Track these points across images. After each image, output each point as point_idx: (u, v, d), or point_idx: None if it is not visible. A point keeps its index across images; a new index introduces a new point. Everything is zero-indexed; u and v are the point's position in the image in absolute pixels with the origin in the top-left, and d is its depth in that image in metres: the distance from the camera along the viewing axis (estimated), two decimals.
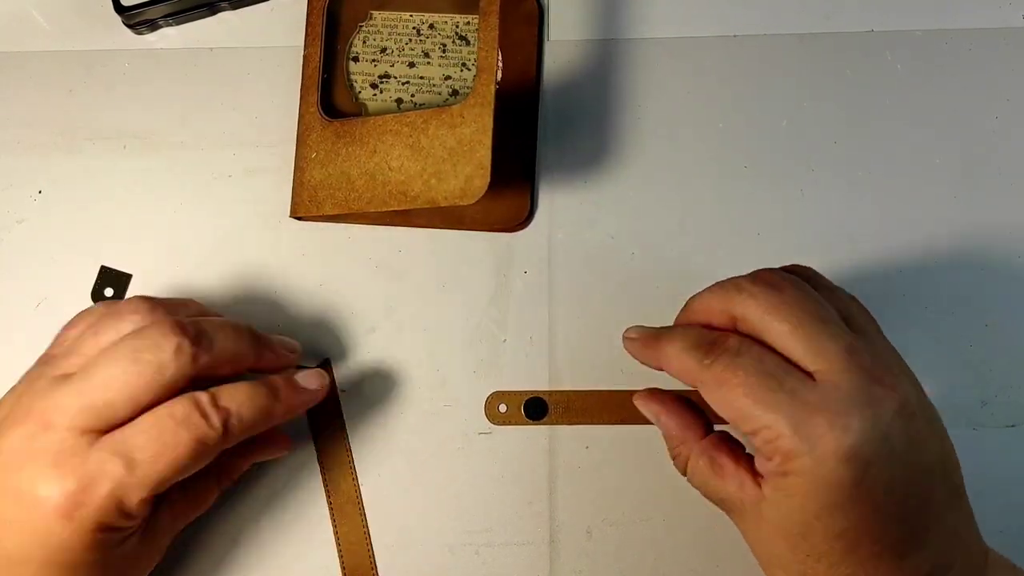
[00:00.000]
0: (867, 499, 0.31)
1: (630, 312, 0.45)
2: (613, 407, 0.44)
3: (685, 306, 0.37)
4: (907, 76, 0.48)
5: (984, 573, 0.35)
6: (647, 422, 0.38)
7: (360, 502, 0.44)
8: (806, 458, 0.31)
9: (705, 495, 0.36)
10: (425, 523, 0.44)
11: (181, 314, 0.38)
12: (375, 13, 0.48)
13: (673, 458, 0.37)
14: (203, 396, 0.35)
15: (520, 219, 0.46)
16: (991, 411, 0.44)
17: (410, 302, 0.46)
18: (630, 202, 0.47)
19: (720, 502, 0.35)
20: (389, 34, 0.48)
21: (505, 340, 0.45)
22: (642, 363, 0.37)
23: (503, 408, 0.44)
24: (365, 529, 0.43)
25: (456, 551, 0.43)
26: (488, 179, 0.39)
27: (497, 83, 0.47)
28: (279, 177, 0.47)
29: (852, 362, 0.32)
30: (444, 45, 0.48)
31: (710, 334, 0.34)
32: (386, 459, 0.44)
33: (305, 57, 0.47)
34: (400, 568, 0.43)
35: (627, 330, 0.38)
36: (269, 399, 0.37)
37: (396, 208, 0.42)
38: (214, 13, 0.48)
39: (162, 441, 0.33)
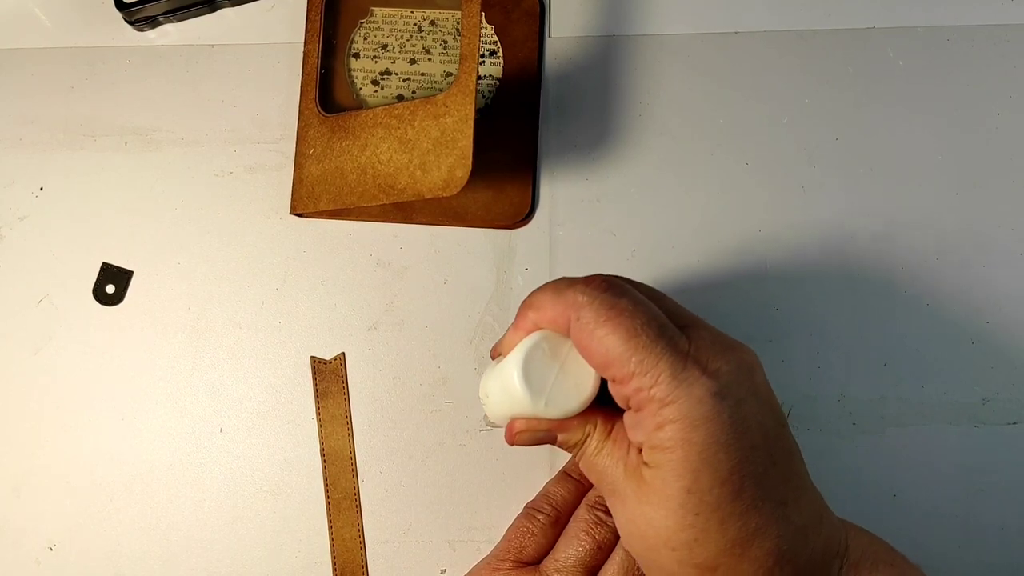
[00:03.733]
0: (744, 436, 0.31)
1: None
2: None
3: (524, 303, 0.36)
4: (909, 73, 0.48)
5: (846, 530, 0.35)
6: None
7: (358, 499, 0.44)
8: (684, 401, 0.31)
9: (596, 474, 0.35)
10: (426, 520, 0.44)
11: None
12: (376, 9, 0.48)
13: (571, 447, 0.36)
14: None
15: (521, 215, 0.46)
16: (992, 408, 0.44)
17: (411, 299, 0.46)
18: (631, 198, 0.46)
19: (609, 482, 0.34)
20: (390, 30, 0.48)
21: None
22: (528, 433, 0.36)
23: None
24: (359, 527, 0.44)
25: (457, 547, 0.43)
26: (469, 169, 0.39)
27: (498, 79, 0.47)
28: (280, 174, 0.47)
29: (706, 332, 0.33)
30: (445, 41, 0.48)
31: (581, 278, 0.34)
32: (387, 456, 0.44)
33: (305, 53, 0.47)
34: (399, 565, 0.43)
35: (514, 432, 0.37)
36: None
37: (385, 201, 0.42)
38: (214, 10, 0.48)
39: None
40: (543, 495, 0.41)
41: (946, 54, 0.48)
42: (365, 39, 0.48)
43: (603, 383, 0.34)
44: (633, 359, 0.31)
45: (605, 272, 0.45)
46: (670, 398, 0.31)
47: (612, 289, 0.33)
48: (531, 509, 0.41)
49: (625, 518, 0.33)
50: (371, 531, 0.44)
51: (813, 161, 0.47)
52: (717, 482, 0.31)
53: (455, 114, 0.40)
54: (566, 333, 0.33)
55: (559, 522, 0.40)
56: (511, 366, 0.34)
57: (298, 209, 0.46)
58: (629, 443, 0.34)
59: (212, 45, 0.48)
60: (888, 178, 0.46)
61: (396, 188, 0.42)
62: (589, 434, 0.35)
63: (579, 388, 0.34)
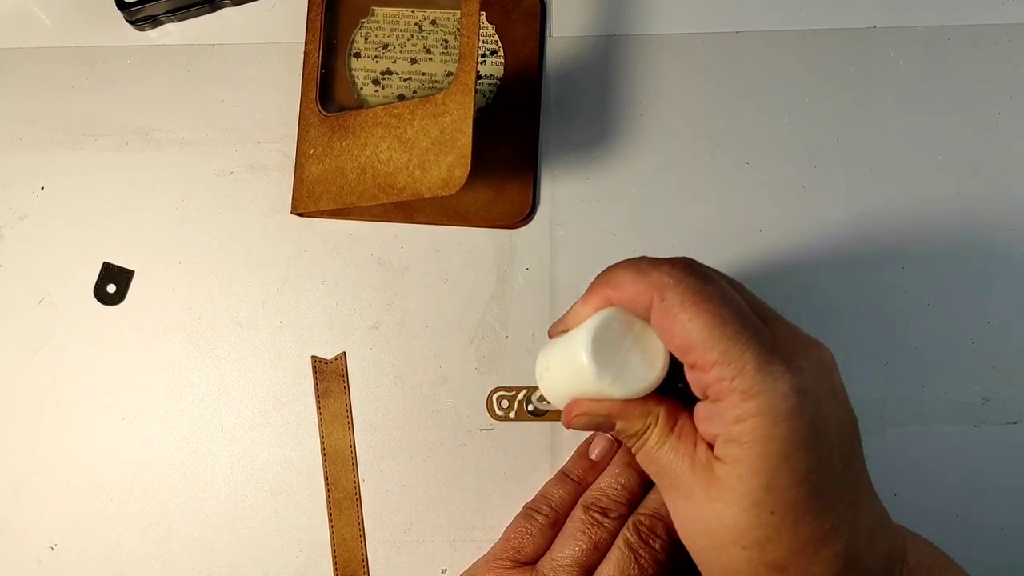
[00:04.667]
0: (824, 435, 0.30)
1: None
2: None
3: (599, 278, 0.35)
4: (909, 72, 0.48)
5: (904, 535, 0.35)
6: None
7: (358, 499, 0.44)
8: (768, 394, 0.30)
9: (656, 468, 0.34)
10: (426, 519, 0.44)
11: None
12: (377, 9, 0.48)
13: (629, 436, 0.35)
14: None
15: (522, 215, 0.46)
16: (993, 408, 0.44)
17: (412, 298, 0.46)
18: (632, 198, 0.46)
19: (672, 476, 0.33)
20: (391, 30, 0.48)
21: (507, 337, 0.45)
22: (589, 417, 0.35)
23: (504, 404, 0.44)
24: (360, 527, 0.44)
25: (457, 547, 0.43)
26: (468, 168, 0.39)
27: (499, 79, 0.47)
28: (280, 173, 0.47)
29: (785, 327, 0.32)
30: (446, 41, 0.48)
31: (666, 259, 0.33)
32: (388, 455, 0.44)
33: (305, 53, 0.47)
34: (399, 565, 0.43)
35: (573, 414, 0.36)
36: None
37: (384, 201, 0.42)
38: (215, 9, 0.48)
39: None
40: (542, 496, 0.41)
41: (947, 54, 0.48)
42: (366, 39, 0.48)
43: (670, 374, 0.33)
44: (718, 347, 0.30)
45: None
46: (754, 391, 0.30)
47: (698, 273, 0.32)
48: (530, 509, 0.40)
49: (689, 515, 0.32)
50: (371, 531, 0.44)
51: (813, 161, 0.47)
52: (795, 481, 0.30)
53: (454, 113, 0.40)
54: (643, 313, 0.32)
55: (557, 523, 0.40)
56: (580, 339, 0.33)
57: (299, 208, 0.46)
58: (696, 438, 0.33)
59: (213, 45, 0.48)
60: (888, 178, 0.46)
61: (396, 187, 0.42)
62: (650, 425, 0.34)
63: (647, 370, 0.33)
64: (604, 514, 0.39)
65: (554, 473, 0.44)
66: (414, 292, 0.46)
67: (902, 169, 0.47)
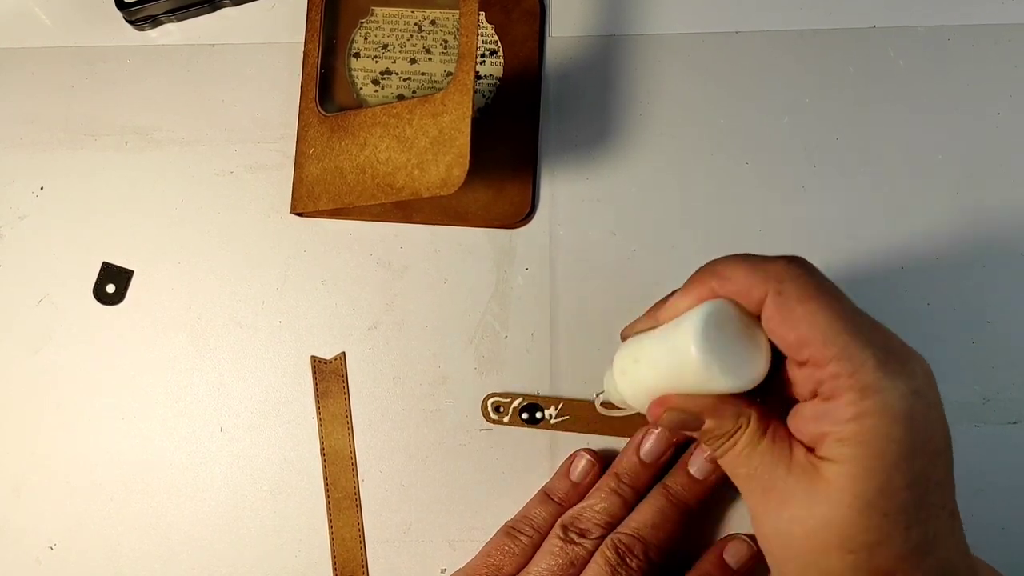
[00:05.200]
0: (932, 440, 0.30)
1: (631, 308, 0.45)
2: (614, 421, 0.43)
3: (705, 270, 0.33)
4: (909, 72, 0.47)
5: (975, 559, 0.34)
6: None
7: (358, 499, 0.44)
8: (887, 393, 0.29)
9: (746, 470, 0.32)
10: (426, 519, 0.44)
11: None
12: (376, 9, 0.48)
13: (717, 437, 0.33)
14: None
15: (521, 215, 0.46)
16: (993, 408, 0.44)
17: (411, 298, 0.46)
18: (631, 198, 0.46)
19: (764, 480, 0.32)
20: (391, 30, 0.48)
21: (506, 337, 0.45)
22: (678, 415, 0.33)
23: (500, 409, 0.44)
24: (360, 527, 0.43)
25: (457, 547, 0.43)
26: (467, 168, 0.39)
27: (499, 79, 0.47)
28: (280, 173, 0.47)
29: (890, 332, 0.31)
30: (446, 41, 0.48)
31: (777, 256, 0.32)
32: (387, 455, 0.44)
33: (305, 53, 0.47)
34: (399, 565, 0.43)
35: (664, 408, 0.34)
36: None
37: (383, 200, 0.42)
38: (215, 9, 0.48)
39: None
40: (523, 516, 0.41)
41: (947, 54, 0.48)
42: (366, 39, 0.48)
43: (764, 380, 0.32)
44: (838, 342, 0.29)
45: (607, 271, 0.46)
46: (873, 388, 0.29)
47: (813, 271, 0.31)
48: (511, 528, 0.41)
49: (785, 519, 0.31)
50: (371, 531, 0.44)
51: (813, 161, 0.47)
52: (907, 484, 0.29)
53: (453, 113, 0.40)
54: (752, 307, 0.31)
55: (537, 544, 0.40)
56: (687, 328, 0.32)
57: (298, 208, 0.46)
58: (791, 442, 0.32)
59: (213, 44, 0.48)
60: (888, 178, 0.46)
61: (394, 187, 0.42)
62: (741, 427, 0.32)
63: (753, 364, 0.32)
64: (583, 535, 0.39)
65: (553, 472, 0.44)
66: (414, 292, 0.46)
67: (902, 169, 0.47)
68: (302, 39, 0.47)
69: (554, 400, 0.44)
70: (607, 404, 0.39)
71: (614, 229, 0.46)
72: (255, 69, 0.48)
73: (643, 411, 0.35)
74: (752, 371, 0.32)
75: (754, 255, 0.32)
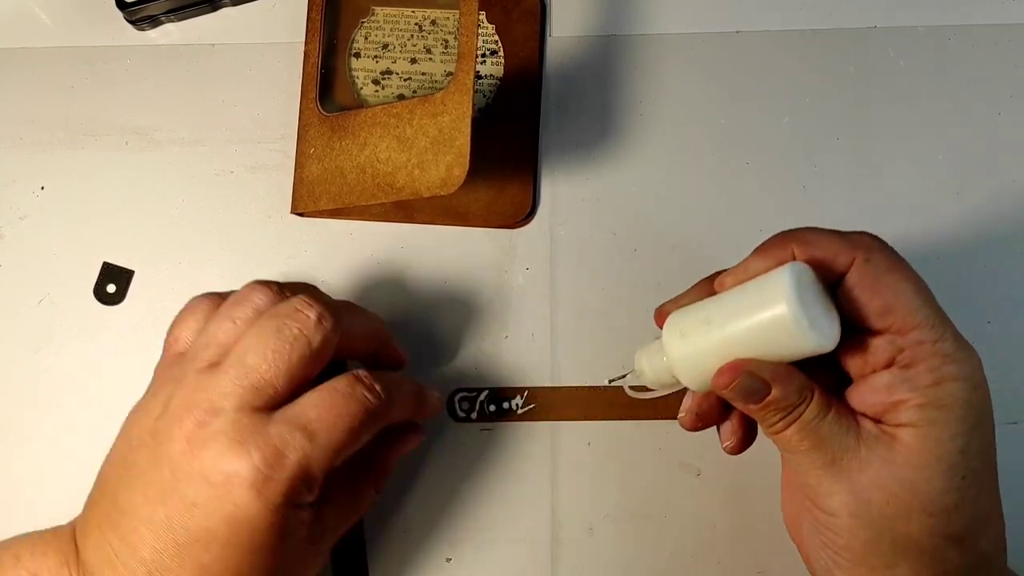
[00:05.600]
0: (991, 415, 0.32)
1: (631, 308, 0.45)
2: (581, 406, 0.44)
3: (784, 236, 0.33)
4: (909, 72, 0.48)
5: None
6: (623, 417, 0.37)
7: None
8: (967, 362, 0.31)
9: (813, 442, 0.32)
10: (427, 519, 0.44)
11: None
12: (377, 9, 0.48)
13: (782, 408, 0.32)
14: (361, 372, 0.36)
15: (522, 215, 0.46)
16: (993, 408, 0.44)
17: (412, 298, 0.46)
18: (632, 198, 0.46)
19: (834, 450, 0.32)
20: (391, 30, 0.48)
21: (507, 337, 0.45)
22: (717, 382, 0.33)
23: (465, 406, 0.44)
24: (360, 527, 0.43)
25: (457, 547, 0.43)
26: (466, 167, 0.39)
27: (499, 79, 0.47)
28: (280, 173, 0.47)
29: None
30: (446, 41, 0.48)
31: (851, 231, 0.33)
32: None
33: (305, 53, 0.47)
34: (399, 565, 0.43)
35: (738, 372, 0.33)
36: (416, 387, 0.39)
37: (383, 200, 0.42)
38: (215, 9, 0.48)
39: (335, 412, 0.34)
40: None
41: (947, 54, 0.48)
42: (366, 38, 0.48)
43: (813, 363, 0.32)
44: (923, 310, 0.31)
45: (608, 271, 0.46)
46: (956, 356, 0.31)
47: (890, 247, 0.33)
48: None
49: (862, 486, 0.31)
50: (372, 532, 0.44)
51: (814, 161, 0.47)
52: (982, 448, 0.31)
53: (453, 112, 0.40)
54: (834, 273, 0.32)
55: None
56: (778, 284, 0.31)
57: (299, 208, 0.46)
58: (855, 415, 0.32)
59: (213, 44, 0.48)
60: (889, 178, 0.46)
61: (395, 187, 0.42)
62: (806, 399, 0.32)
63: (831, 328, 0.31)
64: (253, 293, 0.37)
65: (555, 470, 0.44)
66: (414, 292, 0.46)
67: (902, 169, 0.47)
68: (302, 39, 0.47)
69: (519, 390, 0.44)
70: (638, 387, 0.38)
71: (614, 229, 0.46)
72: (255, 69, 0.48)
73: (693, 383, 0.34)
74: (834, 332, 0.31)
75: (830, 230, 0.33)
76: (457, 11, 0.48)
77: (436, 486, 0.44)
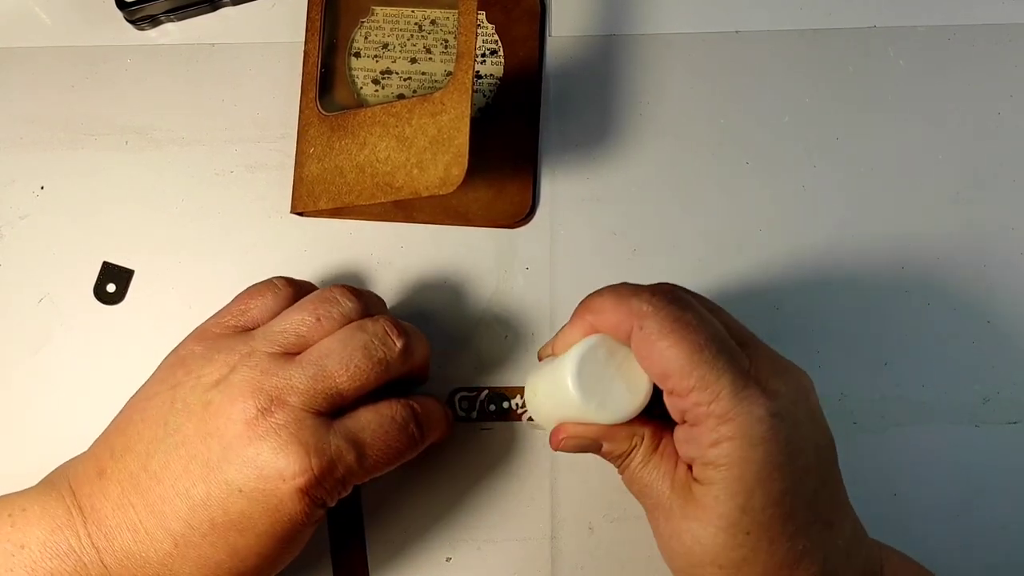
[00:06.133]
0: (799, 457, 0.31)
1: None
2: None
3: (582, 305, 0.36)
4: (909, 72, 0.48)
5: (881, 550, 0.36)
6: None
7: (359, 499, 0.44)
8: (744, 419, 0.31)
9: (639, 488, 0.35)
10: (427, 518, 0.44)
11: (377, 310, 0.40)
12: (377, 9, 0.48)
13: (615, 457, 0.36)
14: (417, 407, 0.37)
15: (522, 215, 0.46)
16: (993, 408, 0.44)
17: (412, 298, 0.46)
18: (632, 198, 0.46)
19: (653, 496, 0.34)
20: (391, 29, 0.48)
21: (507, 336, 0.45)
22: (572, 439, 0.36)
23: (465, 405, 0.44)
24: (360, 527, 0.43)
25: (457, 546, 0.43)
26: (465, 167, 0.39)
27: (499, 79, 0.47)
28: (280, 173, 0.47)
29: (763, 352, 0.34)
30: (446, 41, 0.48)
31: (646, 287, 0.34)
32: None
33: (305, 53, 0.47)
34: (399, 565, 0.43)
35: (560, 438, 0.36)
36: (446, 413, 0.41)
37: (383, 200, 0.42)
38: (215, 9, 0.48)
39: (387, 441, 0.36)
40: (288, 278, 0.40)
41: (947, 54, 0.48)
42: (366, 38, 0.48)
43: (653, 395, 0.34)
44: (695, 373, 0.31)
45: (608, 272, 0.46)
46: (730, 415, 0.31)
47: (677, 302, 0.33)
48: (274, 279, 0.39)
49: (668, 533, 0.33)
50: (371, 531, 0.44)
51: (814, 160, 0.47)
52: (770, 502, 0.31)
53: (451, 112, 0.40)
54: (625, 340, 0.33)
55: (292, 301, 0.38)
56: (565, 367, 0.34)
57: (298, 208, 0.46)
58: (677, 458, 0.34)
59: (213, 44, 0.48)
60: (889, 178, 0.46)
61: (394, 186, 0.42)
62: (636, 446, 0.35)
63: (632, 395, 0.34)
64: (345, 295, 0.38)
65: (555, 469, 0.44)
66: (414, 292, 0.46)
67: (902, 169, 0.47)
68: (302, 39, 0.47)
69: (519, 389, 0.44)
70: (532, 421, 0.43)
71: (614, 229, 0.46)
72: (255, 69, 0.48)
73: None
74: (630, 405, 0.34)
75: (626, 287, 0.34)
76: (457, 11, 0.48)
77: (436, 485, 0.44)
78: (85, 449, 0.38)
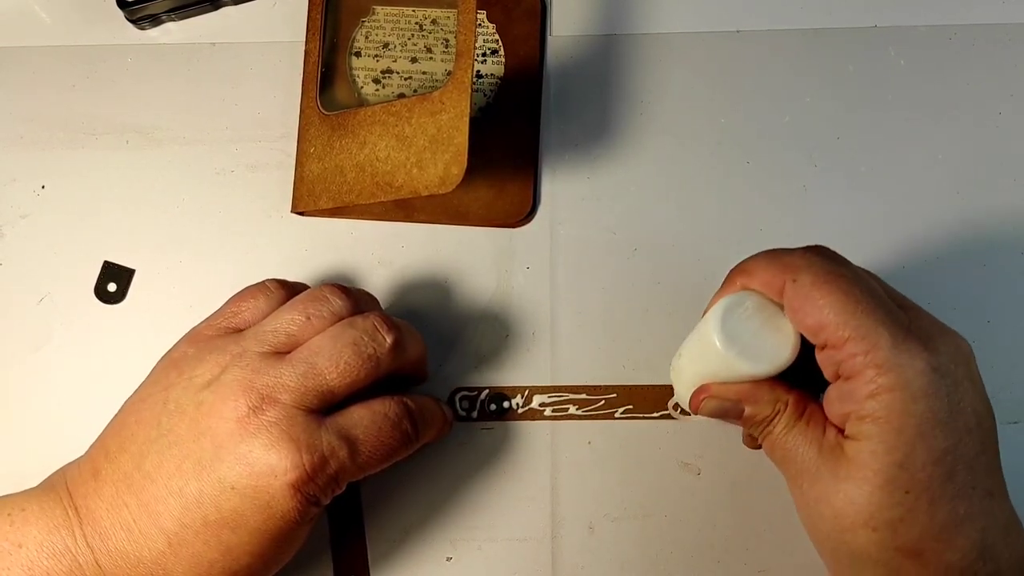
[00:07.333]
0: (960, 417, 0.30)
1: (631, 307, 0.45)
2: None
3: (734, 269, 0.35)
4: (910, 72, 0.48)
5: None
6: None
7: (358, 498, 0.44)
8: (905, 369, 0.30)
9: (783, 454, 0.33)
10: (427, 518, 0.44)
11: (369, 307, 0.40)
12: (377, 8, 0.48)
13: (758, 422, 0.34)
14: (411, 404, 0.37)
15: (522, 214, 0.46)
16: (993, 408, 0.44)
17: (412, 297, 0.46)
18: (632, 197, 0.47)
19: (798, 462, 0.33)
20: (392, 29, 0.48)
21: (507, 336, 0.45)
22: (718, 403, 0.35)
23: (466, 405, 0.44)
24: (360, 527, 0.43)
25: (458, 546, 0.43)
26: (464, 166, 0.39)
27: (500, 78, 0.48)
28: (281, 172, 0.47)
29: (923, 313, 0.33)
30: (447, 40, 0.48)
31: (798, 248, 0.33)
32: None
33: (306, 52, 0.47)
34: (399, 565, 0.43)
35: (701, 397, 0.36)
36: (445, 412, 0.41)
37: (382, 199, 0.42)
38: (216, 8, 0.48)
39: (380, 437, 0.36)
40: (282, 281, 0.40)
41: (947, 53, 0.48)
42: (366, 37, 0.48)
43: (800, 362, 0.33)
44: (851, 323, 0.30)
45: (608, 270, 0.46)
46: (889, 365, 0.30)
47: (831, 258, 0.32)
48: (266, 281, 0.39)
49: (815, 498, 0.32)
50: (371, 531, 0.44)
51: (814, 160, 0.47)
52: (931, 460, 0.30)
53: (451, 111, 0.40)
54: (778, 297, 0.33)
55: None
56: (710, 319, 0.34)
57: (299, 207, 0.46)
58: (825, 424, 0.33)
59: (214, 43, 0.48)
60: (889, 177, 0.46)
61: (393, 186, 0.42)
62: (779, 411, 0.33)
63: (778, 350, 0.33)
64: (336, 293, 0.38)
65: (555, 469, 0.44)
66: (414, 291, 0.46)
67: (902, 169, 0.47)
68: (303, 38, 0.47)
69: (519, 389, 0.44)
70: (677, 406, 0.42)
71: (615, 228, 0.46)
72: (256, 68, 0.48)
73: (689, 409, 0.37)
74: (777, 358, 0.33)
75: (778, 249, 0.34)
76: (457, 10, 0.48)
77: (436, 485, 0.44)
78: (85, 449, 0.38)
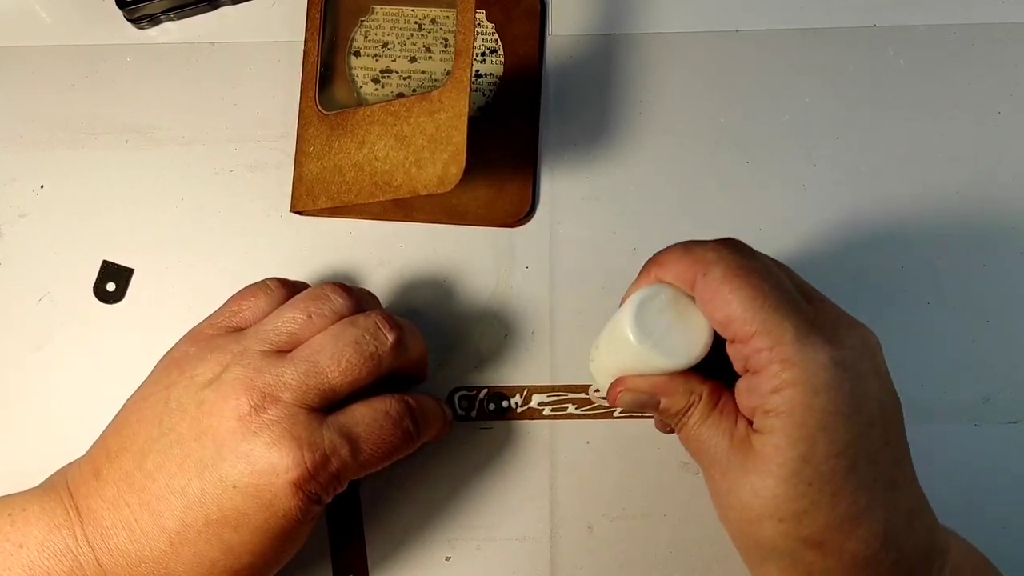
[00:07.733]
0: (863, 410, 0.31)
1: None
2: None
3: (649, 260, 0.35)
4: (909, 71, 0.47)
5: (946, 533, 0.35)
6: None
7: (358, 498, 0.44)
8: (806, 365, 0.30)
9: (697, 446, 0.34)
10: (426, 517, 0.44)
11: (370, 306, 0.40)
12: (376, 7, 0.48)
13: (673, 414, 0.35)
14: (412, 402, 0.38)
15: (521, 214, 0.46)
16: (993, 407, 0.44)
17: (411, 297, 0.46)
18: (631, 197, 0.46)
19: (711, 454, 0.33)
20: (391, 28, 0.48)
21: (506, 336, 0.45)
22: (634, 397, 0.35)
23: (464, 404, 0.44)
24: (360, 527, 0.43)
25: (457, 545, 0.43)
26: (463, 165, 0.39)
27: (499, 78, 0.47)
28: (280, 172, 0.47)
29: (829, 306, 0.33)
30: (446, 40, 0.48)
31: (711, 240, 0.34)
32: None
33: (305, 52, 0.47)
34: (399, 565, 0.43)
35: (617, 390, 0.36)
36: (445, 412, 0.41)
37: (381, 199, 0.42)
38: (215, 8, 0.48)
39: (381, 435, 0.36)
40: (283, 280, 0.40)
41: (947, 52, 0.48)
42: (366, 37, 0.48)
43: (714, 353, 0.34)
44: (757, 318, 0.31)
45: (608, 272, 0.46)
46: (792, 360, 0.30)
47: (742, 251, 0.33)
48: (267, 280, 0.40)
49: (725, 489, 0.33)
50: (370, 530, 0.44)
51: (814, 159, 0.47)
52: (833, 453, 0.30)
53: (449, 110, 0.40)
54: (690, 289, 0.33)
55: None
56: (624, 310, 0.34)
57: (298, 207, 0.46)
58: (737, 415, 0.33)
59: (213, 43, 0.48)
60: (888, 177, 0.46)
61: (392, 185, 0.42)
62: (694, 403, 0.34)
63: (691, 343, 0.33)
64: (337, 292, 0.38)
65: (554, 469, 0.44)
66: (413, 291, 0.46)
67: (902, 168, 0.47)
68: (302, 37, 0.47)
69: (519, 388, 0.44)
70: (599, 393, 0.42)
71: (614, 228, 0.46)
72: (255, 67, 0.48)
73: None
74: (690, 352, 0.34)
75: (692, 241, 0.34)
76: (456, 9, 0.48)
77: (436, 485, 0.44)
78: (85, 449, 0.38)
